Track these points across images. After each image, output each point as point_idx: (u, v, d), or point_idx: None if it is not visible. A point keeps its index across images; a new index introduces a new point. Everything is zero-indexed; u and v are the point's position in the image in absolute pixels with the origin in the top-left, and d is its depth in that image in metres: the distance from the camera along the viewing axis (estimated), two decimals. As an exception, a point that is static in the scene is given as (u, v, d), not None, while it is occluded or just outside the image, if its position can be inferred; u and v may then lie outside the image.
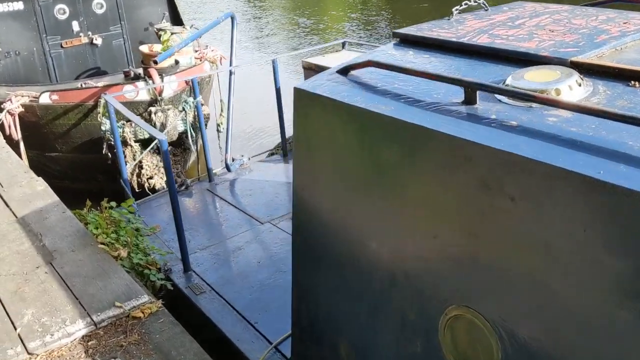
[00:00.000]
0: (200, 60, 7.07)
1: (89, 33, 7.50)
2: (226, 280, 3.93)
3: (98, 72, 7.57)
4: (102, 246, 3.33)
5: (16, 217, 3.72)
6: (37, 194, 4.02)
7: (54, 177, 6.78)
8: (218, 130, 6.30)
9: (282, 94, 5.68)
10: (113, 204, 3.90)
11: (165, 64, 6.29)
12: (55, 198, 3.96)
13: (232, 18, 5.29)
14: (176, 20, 7.92)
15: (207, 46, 7.56)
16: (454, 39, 2.31)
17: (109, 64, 7.70)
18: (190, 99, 5.18)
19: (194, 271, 4.03)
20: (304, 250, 2.54)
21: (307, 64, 5.54)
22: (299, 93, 2.35)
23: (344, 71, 2.41)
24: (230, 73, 5.31)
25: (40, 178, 4.30)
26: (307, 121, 2.39)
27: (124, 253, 3.35)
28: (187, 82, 6.52)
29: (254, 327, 3.50)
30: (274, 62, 5.50)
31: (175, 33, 6.49)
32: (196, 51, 7.16)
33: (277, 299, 3.69)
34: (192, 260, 4.10)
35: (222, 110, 6.98)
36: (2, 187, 4.15)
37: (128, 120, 6.05)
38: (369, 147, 2.10)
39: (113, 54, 7.75)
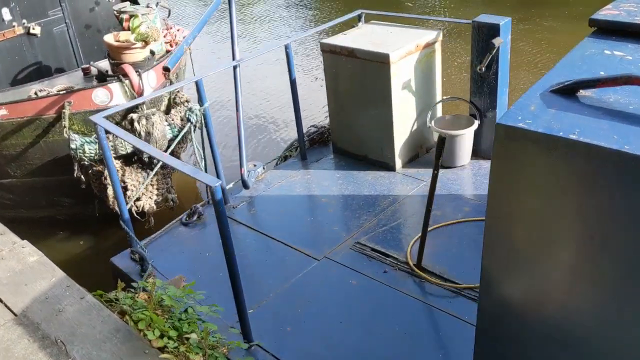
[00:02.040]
0: (172, 46, 5.86)
1: (24, 21, 6.04)
2: (311, 357, 2.99)
3: (40, 71, 6.15)
4: (166, 357, 2.31)
5: (12, 312, 2.60)
6: (30, 268, 2.88)
7: (3, 207, 5.47)
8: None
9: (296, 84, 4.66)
10: (158, 281, 2.82)
11: (138, 56, 5.07)
12: (60, 273, 2.84)
13: (230, -4, 4.16)
14: (127, -3, 6.56)
15: (172, 27, 6.30)
16: None
17: (51, 58, 6.29)
18: (196, 107, 4.06)
19: (261, 347, 3.05)
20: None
21: (328, 46, 4.51)
22: (502, 130, 1.57)
23: (569, 91, 1.63)
24: (235, 68, 4.22)
25: (26, 242, 3.14)
26: (517, 164, 1.60)
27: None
28: (165, 75, 5.33)
29: None
30: (287, 47, 4.44)
31: (143, 14, 5.23)
32: (164, 35, 5.92)
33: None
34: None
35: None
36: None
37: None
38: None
39: (55, 46, 6.33)
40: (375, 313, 3.18)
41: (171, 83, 5.38)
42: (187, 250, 3.97)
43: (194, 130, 4.49)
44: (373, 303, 3.26)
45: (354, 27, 4.87)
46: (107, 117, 4.91)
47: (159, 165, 4.50)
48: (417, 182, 4.36)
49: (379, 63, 4.21)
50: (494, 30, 4.10)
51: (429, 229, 3.77)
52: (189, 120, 4.08)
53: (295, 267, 3.63)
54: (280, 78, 8.57)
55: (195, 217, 4.25)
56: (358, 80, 4.42)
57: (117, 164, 4.83)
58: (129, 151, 4.82)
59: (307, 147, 5.00)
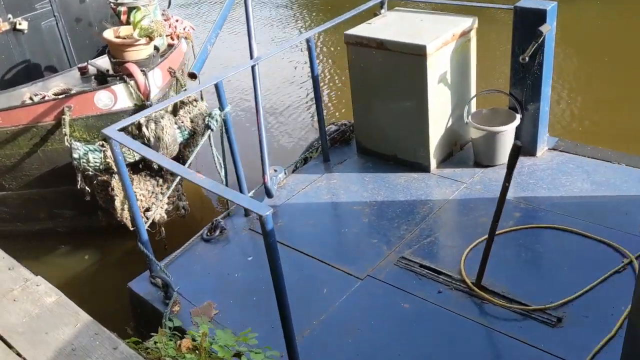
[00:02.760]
0: (173, 39, 5.40)
1: (10, 16, 5.53)
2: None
3: (30, 70, 5.66)
4: None
5: (32, 369, 2.23)
6: (49, 311, 2.50)
7: (-1, 220, 5.05)
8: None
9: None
10: (203, 326, 2.43)
11: (143, 53, 4.62)
12: (85, 317, 2.46)
13: (245, -16, 3.73)
14: (120, -14, 6.06)
15: (171, 18, 5.83)
16: None
17: (41, 56, 5.79)
18: (216, 112, 3.65)
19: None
20: None
21: (354, 38, 4.11)
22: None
23: None
24: (253, 68, 3.82)
25: (40, 278, 2.74)
26: None
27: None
28: (170, 73, 4.90)
29: None
30: (308, 41, 4.04)
31: (144, 6, 4.77)
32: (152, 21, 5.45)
33: None
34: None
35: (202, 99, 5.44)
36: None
37: (105, 140, 4.41)
38: None
39: (44, 42, 5.84)
40: (436, 342, 2.84)
41: (177, 82, 4.97)
42: (212, 271, 3.59)
43: (210, 135, 4.10)
44: (431, 330, 2.92)
45: (376, 14, 4.47)
46: (108, 122, 4.53)
47: (176, 181, 4.09)
48: (456, 185, 4.01)
49: (414, 55, 3.83)
50: (540, 16, 3.73)
51: (479, 239, 3.44)
52: (208, 126, 3.67)
53: (337, 288, 3.27)
54: (290, 71, 8.17)
55: (217, 232, 3.87)
56: (388, 74, 4.04)
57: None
58: (137, 158, 4.40)
59: (329, 147, 4.62)
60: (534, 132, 4.13)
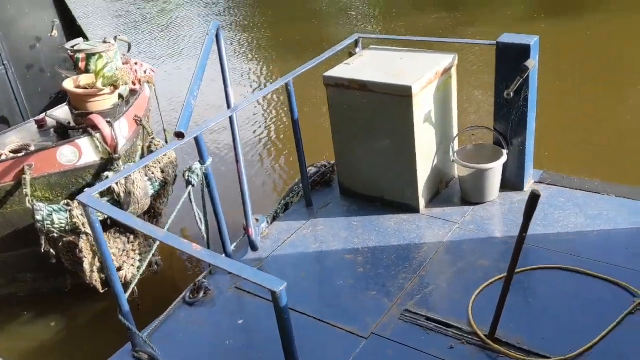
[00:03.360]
0: (135, 84, 5.14)
1: (-45, 66, 5.16)
2: None
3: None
4: None
5: None
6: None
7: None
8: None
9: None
10: None
11: (107, 103, 4.34)
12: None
13: (218, 30, 3.53)
14: (72, 31, 5.76)
15: (130, 61, 5.56)
16: None
17: (-12, 108, 5.42)
18: (196, 166, 3.38)
19: None
20: None
21: (333, 80, 3.97)
22: None
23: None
24: (232, 117, 3.61)
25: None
26: None
27: None
28: (137, 121, 4.63)
29: None
30: (287, 85, 3.86)
31: (104, 52, 4.50)
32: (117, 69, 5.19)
33: None
34: None
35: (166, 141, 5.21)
36: None
37: (72, 198, 4.08)
38: None
39: (-8, 91, 5.46)
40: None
41: (144, 129, 4.70)
42: (201, 339, 3.31)
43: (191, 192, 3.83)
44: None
45: (351, 54, 4.35)
46: (73, 179, 4.20)
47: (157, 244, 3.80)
48: (448, 225, 3.88)
49: (399, 96, 3.70)
50: (523, 51, 3.68)
51: (483, 285, 3.30)
52: (189, 182, 3.42)
53: (340, 350, 3.05)
54: (260, 115, 7.98)
55: (201, 294, 3.59)
56: (372, 115, 3.90)
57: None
58: (105, 216, 4.09)
59: (309, 191, 4.43)
60: (520, 166, 4.06)
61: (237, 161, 3.72)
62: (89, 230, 4.01)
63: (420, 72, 3.78)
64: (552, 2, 10.94)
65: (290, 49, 10.38)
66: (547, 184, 4.16)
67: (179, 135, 2.67)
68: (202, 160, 3.36)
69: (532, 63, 3.64)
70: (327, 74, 4.02)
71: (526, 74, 3.68)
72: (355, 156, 4.15)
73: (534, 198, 2.42)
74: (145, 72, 5.50)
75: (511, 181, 4.12)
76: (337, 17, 12.34)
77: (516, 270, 3.34)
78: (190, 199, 3.41)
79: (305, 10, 13.02)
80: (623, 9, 9.97)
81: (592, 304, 3.07)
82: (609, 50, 8.21)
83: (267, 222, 4.15)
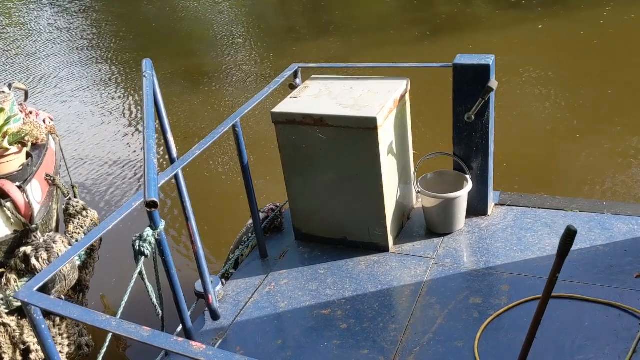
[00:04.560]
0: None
1: None
2: None
3: None
4: None
5: None
6: None
7: None
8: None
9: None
10: None
11: (14, 164, 3.63)
12: None
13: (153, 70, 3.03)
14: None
15: (26, 109, 4.81)
16: None
17: None
18: (148, 232, 2.79)
19: None
20: None
21: (283, 116, 3.59)
22: None
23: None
24: (177, 174, 3.11)
25: None
26: None
27: None
28: (49, 181, 3.94)
29: None
30: (235, 127, 3.42)
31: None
32: (24, 123, 4.46)
33: None
34: None
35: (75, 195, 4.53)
36: None
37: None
38: None
39: None
40: None
41: (58, 189, 4.02)
42: None
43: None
44: None
45: (293, 85, 4.00)
46: None
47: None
48: (423, 262, 3.61)
49: (363, 129, 3.40)
50: (483, 72, 3.53)
51: (482, 326, 3.05)
52: (140, 253, 2.84)
53: None
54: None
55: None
56: (331, 152, 3.56)
57: (11, 320, 3.37)
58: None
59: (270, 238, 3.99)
60: (483, 191, 3.90)
61: (188, 219, 3.20)
62: (7, 320, 3.28)
63: (380, 101, 3.50)
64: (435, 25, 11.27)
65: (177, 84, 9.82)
66: (508, 205, 4.03)
67: (152, 206, 2.15)
68: (153, 225, 2.81)
69: (496, 83, 3.49)
70: (276, 110, 3.62)
71: (488, 96, 3.53)
72: (313, 197, 3.78)
73: (571, 234, 2.18)
74: (44, 121, 4.78)
75: (475, 207, 3.94)
76: (216, 46, 11.91)
77: (514, 304, 3.14)
78: (143, 276, 2.83)
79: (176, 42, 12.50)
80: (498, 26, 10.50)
81: (602, 334, 2.91)
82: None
83: (222, 283, 3.65)
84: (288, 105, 3.65)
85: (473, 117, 3.61)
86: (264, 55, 10.97)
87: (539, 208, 3.96)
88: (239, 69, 10.29)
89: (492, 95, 3.62)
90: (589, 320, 2.99)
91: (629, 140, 6.32)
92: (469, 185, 3.74)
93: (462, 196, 3.72)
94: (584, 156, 6.18)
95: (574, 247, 3.53)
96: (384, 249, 3.74)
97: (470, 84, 3.57)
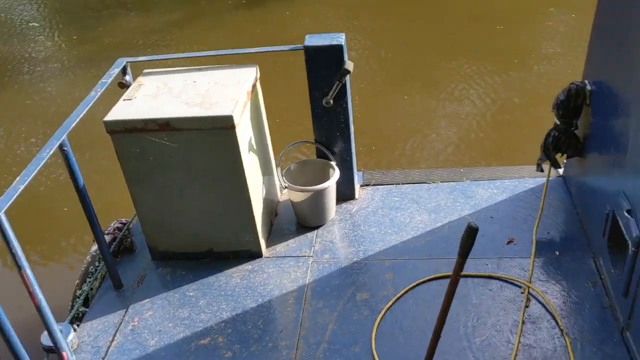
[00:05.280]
0: None
1: None
2: None
3: None
4: None
5: None
6: None
7: None
8: None
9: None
10: None
11: None
12: None
13: None
14: None
15: None
16: None
17: None
18: None
19: None
20: None
21: (120, 124, 3.03)
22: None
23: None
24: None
25: None
26: None
27: None
28: None
29: None
30: (62, 146, 2.81)
31: None
32: None
33: None
34: None
35: None
36: None
37: None
38: None
39: None
40: None
41: None
42: None
43: None
44: None
45: (123, 84, 3.43)
46: None
47: None
48: (301, 262, 3.35)
49: (219, 129, 2.99)
50: (337, 52, 3.29)
51: (377, 320, 2.89)
52: None
53: None
54: None
55: None
56: (184, 158, 3.11)
57: None
58: None
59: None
60: (349, 175, 3.73)
61: (21, 268, 2.56)
62: None
63: (232, 95, 3.11)
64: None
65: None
66: (374, 185, 3.92)
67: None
68: None
69: (352, 64, 3.28)
70: (109, 117, 3.05)
71: (345, 78, 3.31)
72: (168, 210, 3.31)
73: (472, 233, 2.03)
74: None
75: (342, 192, 3.76)
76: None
77: (402, 293, 3.03)
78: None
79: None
80: None
81: (490, 309, 2.91)
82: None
83: (74, 329, 3.06)
84: (123, 110, 3.10)
85: (332, 101, 3.38)
86: (68, 39, 9.77)
87: (402, 184, 3.90)
88: (43, 60, 9.04)
89: (348, 76, 3.41)
90: (475, 296, 2.98)
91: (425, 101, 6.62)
92: (336, 173, 3.54)
93: (331, 185, 3.50)
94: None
95: (444, 220, 3.52)
96: (257, 254, 3.42)
97: (324, 67, 3.32)
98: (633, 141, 2.55)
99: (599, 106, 3.09)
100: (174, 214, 3.31)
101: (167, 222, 3.36)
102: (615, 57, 2.85)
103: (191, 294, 3.24)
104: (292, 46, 3.38)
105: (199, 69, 3.46)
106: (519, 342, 2.70)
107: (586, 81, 3.20)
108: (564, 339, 2.68)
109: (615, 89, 2.84)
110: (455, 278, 2.14)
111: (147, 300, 3.24)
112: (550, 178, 3.60)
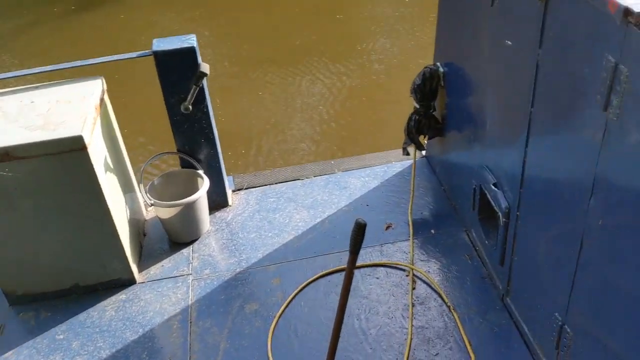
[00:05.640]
0: None
1: None
2: None
3: None
4: None
5: None
6: None
7: None
8: None
9: None
10: None
11: None
12: None
13: None
14: None
15: None
16: None
17: None
18: None
19: None
20: None
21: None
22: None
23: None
24: None
25: None
26: None
27: None
28: None
29: None
30: None
31: None
32: None
33: None
34: None
35: None
36: None
37: None
38: None
39: None
40: None
41: None
42: None
43: None
44: None
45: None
46: None
47: None
48: (179, 281, 3.14)
49: (67, 153, 2.67)
50: (190, 55, 3.09)
51: (270, 332, 2.79)
52: None
53: None
54: None
55: None
56: (33, 190, 2.74)
57: None
58: None
59: None
60: (219, 181, 3.56)
61: None
62: None
63: (78, 113, 2.80)
64: None
65: None
66: (247, 189, 3.79)
67: None
68: None
69: (207, 67, 3.10)
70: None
71: (202, 81, 3.13)
72: (22, 249, 2.92)
73: (360, 228, 1.98)
74: None
75: (214, 200, 3.59)
76: None
77: (287, 300, 2.95)
78: None
79: None
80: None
81: (380, 297, 2.92)
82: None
83: None
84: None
85: (190, 107, 3.18)
86: None
87: (276, 183, 3.81)
88: None
89: (205, 79, 3.23)
90: (364, 287, 2.98)
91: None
92: (205, 182, 3.35)
93: (201, 196, 3.31)
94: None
95: (323, 215, 3.49)
96: (130, 281, 3.14)
97: (178, 72, 3.11)
98: (490, 117, 2.67)
99: (452, 87, 3.21)
100: (30, 252, 2.93)
101: (22, 261, 2.97)
102: (463, 39, 2.97)
103: (61, 336, 2.90)
104: (140, 52, 3.12)
105: (36, 87, 3.08)
106: (412, 325, 2.74)
107: (438, 63, 3.32)
108: (452, 315, 2.76)
109: (466, 68, 2.96)
110: (349, 272, 2.08)
111: (11, 352, 2.84)
112: (416, 159, 3.71)
